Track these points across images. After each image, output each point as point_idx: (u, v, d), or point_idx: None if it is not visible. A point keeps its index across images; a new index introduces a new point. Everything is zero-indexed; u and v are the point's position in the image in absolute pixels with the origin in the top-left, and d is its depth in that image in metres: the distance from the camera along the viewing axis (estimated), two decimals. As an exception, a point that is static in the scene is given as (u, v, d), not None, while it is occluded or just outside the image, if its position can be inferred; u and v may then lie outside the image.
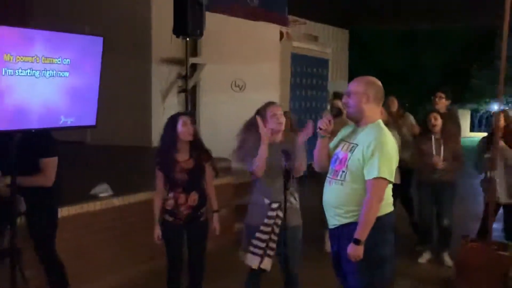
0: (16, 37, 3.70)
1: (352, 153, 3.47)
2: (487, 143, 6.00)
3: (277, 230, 4.07)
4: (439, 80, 19.71)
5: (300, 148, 4.04)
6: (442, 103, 6.83)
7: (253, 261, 4.09)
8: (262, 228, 4.08)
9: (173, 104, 8.48)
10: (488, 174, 5.70)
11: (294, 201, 4.20)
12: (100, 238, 5.36)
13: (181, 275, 4.48)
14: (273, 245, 4.08)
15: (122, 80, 8.34)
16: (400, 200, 6.79)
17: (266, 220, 4.07)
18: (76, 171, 6.18)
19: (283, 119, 4.16)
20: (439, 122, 6.11)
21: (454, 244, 6.09)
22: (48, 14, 8.82)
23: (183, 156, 4.36)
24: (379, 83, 3.59)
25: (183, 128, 4.30)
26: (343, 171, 3.49)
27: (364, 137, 3.46)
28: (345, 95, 3.60)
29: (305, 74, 11.84)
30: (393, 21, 14.63)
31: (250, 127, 4.22)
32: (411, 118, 7.49)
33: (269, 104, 4.25)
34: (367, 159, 3.38)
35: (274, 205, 4.09)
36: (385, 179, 3.37)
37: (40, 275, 4.41)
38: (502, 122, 5.82)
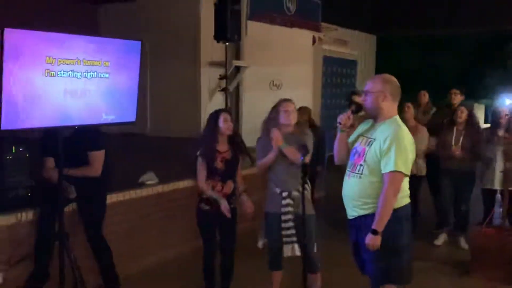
0: (57, 41, 3.45)
1: (370, 147, 3.18)
2: (491, 134, 5.64)
3: (292, 217, 3.88)
4: (456, 79, 19.31)
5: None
6: (458, 98, 6.58)
7: (289, 251, 3.90)
8: (282, 218, 3.87)
9: (218, 101, 8.36)
10: (505, 165, 5.26)
11: (305, 191, 3.84)
12: (146, 220, 5.15)
13: (215, 255, 4.24)
14: (294, 231, 3.88)
15: (176, 81, 8.42)
16: (429, 186, 6.47)
17: (282, 209, 3.85)
18: (132, 160, 5.99)
19: (293, 115, 3.97)
20: (464, 115, 5.70)
21: (470, 229, 5.64)
22: (112, 25, 8.73)
23: (222, 148, 4.13)
24: (395, 81, 3.27)
25: (224, 123, 4.09)
26: (361, 165, 3.20)
27: (381, 132, 3.17)
28: (363, 93, 3.31)
29: (335, 74, 11.62)
30: (414, 28, 14.42)
31: (268, 122, 4.07)
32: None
33: (283, 100, 4.06)
34: (384, 153, 3.09)
35: (284, 194, 3.90)
36: (401, 172, 3.07)
37: (88, 257, 4.18)
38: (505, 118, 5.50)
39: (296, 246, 3.87)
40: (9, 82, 3.20)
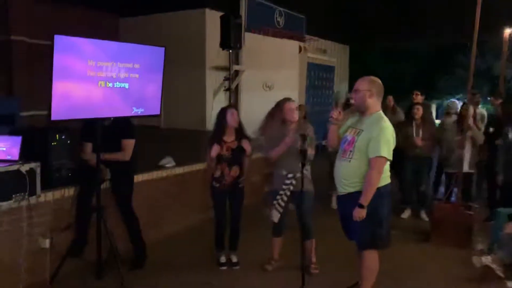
0: (97, 46, 3.45)
1: (358, 136, 3.21)
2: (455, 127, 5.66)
3: (288, 193, 3.91)
4: (414, 83, 19.52)
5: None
6: (419, 98, 6.62)
7: (274, 216, 3.95)
8: (280, 192, 3.91)
9: (221, 99, 8.37)
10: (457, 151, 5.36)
11: (306, 172, 3.90)
12: (166, 196, 5.11)
13: (225, 225, 4.26)
14: (282, 203, 3.93)
15: (185, 82, 8.40)
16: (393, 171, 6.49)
17: (283, 186, 3.89)
18: (151, 148, 5.97)
19: (297, 113, 3.97)
20: (420, 112, 5.74)
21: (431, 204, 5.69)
22: (131, 35, 8.67)
23: (229, 138, 4.11)
24: (380, 81, 3.30)
25: (231, 117, 4.09)
26: (350, 151, 3.23)
27: (369, 124, 3.20)
28: (353, 91, 3.33)
29: (317, 77, 11.63)
30: (380, 40, 14.55)
31: (270, 117, 4.05)
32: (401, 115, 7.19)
33: (286, 99, 4.02)
34: (371, 142, 3.12)
35: (290, 175, 3.90)
36: (385, 157, 3.11)
37: (119, 225, 4.17)
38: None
39: (276, 212, 3.91)
40: (57, 81, 3.21)
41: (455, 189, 5.40)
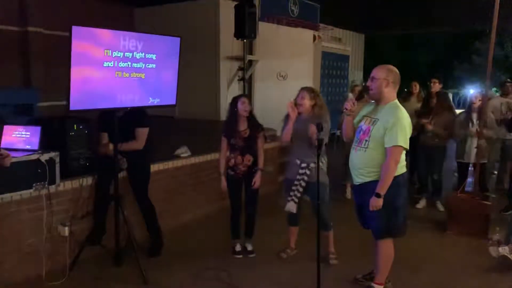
0: (113, 37, 3.47)
1: (374, 126, 3.18)
2: (465, 118, 5.56)
3: (304, 184, 3.89)
4: (429, 71, 19.27)
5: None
6: (436, 86, 6.53)
7: (291, 208, 3.95)
8: (295, 183, 3.90)
9: (235, 89, 8.37)
10: (476, 142, 5.32)
11: (321, 163, 3.85)
12: (182, 185, 5.18)
13: (240, 213, 4.30)
14: (298, 194, 3.92)
15: (199, 72, 8.41)
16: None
17: (297, 177, 3.86)
18: (166, 137, 6.02)
19: (302, 101, 3.89)
20: (435, 100, 5.68)
21: (446, 195, 5.67)
22: (146, 25, 8.71)
23: (241, 127, 4.13)
24: (396, 70, 3.25)
25: (241, 105, 4.09)
26: (366, 140, 3.20)
27: (384, 114, 3.17)
28: (369, 79, 3.27)
29: (332, 66, 11.52)
30: (395, 28, 14.37)
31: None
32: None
33: (301, 89, 4.03)
34: (387, 131, 3.09)
35: (303, 165, 3.89)
36: (401, 146, 3.09)
37: (136, 213, 4.24)
38: (478, 102, 5.38)
39: (293, 204, 3.91)
40: (75, 72, 3.25)
41: (469, 180, 5.36)
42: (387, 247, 3.31)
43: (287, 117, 3.92)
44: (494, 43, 4.82)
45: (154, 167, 4.64)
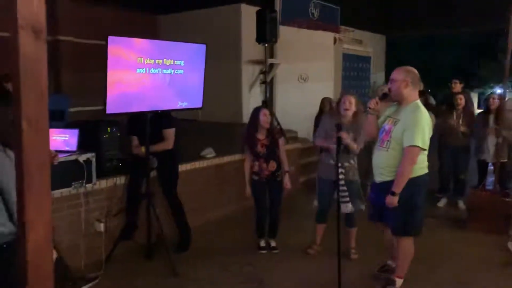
0: (145, 45, 3.77)
1: (395, 126, 3.32)
2: (483, 118, 5.73)
3: (343, 182, 4.06)
4: (453, 72, 19.11)
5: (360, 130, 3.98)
6: (458, 86, 6.62)
7: (346, 208, 4.10)
8: (340, 183, 4.00)
9: (257, 92, 8.59)
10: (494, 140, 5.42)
11: (353, 162, 4.14)
12: (208, 185, 5.45)
13: (266, 215, 4.52)
14: (346, 194, 4.10)
15: (222, 76, 8.58)
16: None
17: (340, 176, 3.97)
18: (191, 139, 6.29)
19: (350, 106, 4.06)
20: (462, 102, 5.79)
21: (467, 193, 5.79)
22: (170, 32, 9.05)
23: (261, 136, 4.37)
24: (415, 71, 3.38)
25: (263, 117, 4.33)
26: (387, 141, 3.35)
27: (405, 114, 3.30)
28: (389, 82, 3.42)
29: (353, 68, 11.62)
30: (416, 29, 14.37)
31: (330, 113, 4.40)
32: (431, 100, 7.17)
33: (344, 93, 4.31)
34: (405, 131, 3.23)
35: (339, 165, 4.00)
36: (418, 146, 3.20)
37: (165, 211, 4.52)
38: (496, 102, 5.54)
39: (350, 205, 4.10)
40: (110, 77, 3.55)
41: (489, 179, 5.46)
42: (407, 244, 3.46)
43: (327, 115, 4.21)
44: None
45: (182, 167, 4.90)
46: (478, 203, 5.00)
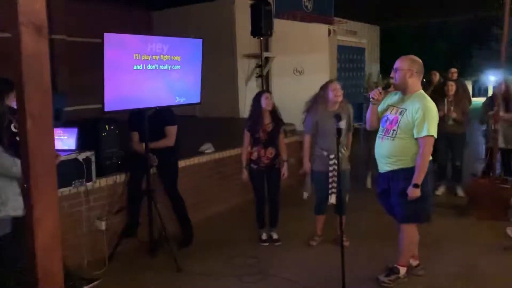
0: (141, 41, 3.75)
1: (402, 116, 3.30)
2: (490, 103, 5.69)
3: (335, 173, 4.07)
4: (448, 60, 19.10)
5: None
6: (455, 75, 6.79)
7: (334, 200, 4.13)
8: (330, 174, 4.09)
9: (253, 86, 8.58)
10: (492, 126, 5.39)
11: (343, 151, 4.14)
12: (208, 180, 5.45)
13: (264, 204, 4.53)
14: (335, 185, 4.09)
15: (217, 71, 8.59)
16: None
17: (330, 168, 4.02)
18: (189, 135, 6.28)
19: (340, 93, 4.12)
20: (453, 88, 5.82)
21: (464, 180, 5.90)
22: (165, 27, 9.01)
23: (266, 121, 4.36)
24: (420, 60, 3.36)
25: (265, 100, 4.32)
26: (393, 130, 3.33)
27: (412, 104, 3.28)
28: (393, 71, 3.38)
29: (348, 60, 11.61)
30: (410, 18, 14.43)
31: (315, 99, 4.28)
32: None
33: (331, 81, 4.26)
34: (417, 121, 3.21)
35: (331, 156, 4.09)
36: (432, 136, 3.23)
37: (167, 207, 4.51)
38: (503, 88, 5.48)
39: (334, 196, 4.12)
40: (108, 75, 3.53)
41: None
42: (411, 231, 3.47)
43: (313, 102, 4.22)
44: (507, 29, 4.95)
45: (181, 163, 4.90)
46: (478, 190, 5.03)
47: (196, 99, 4.32)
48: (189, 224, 4.54)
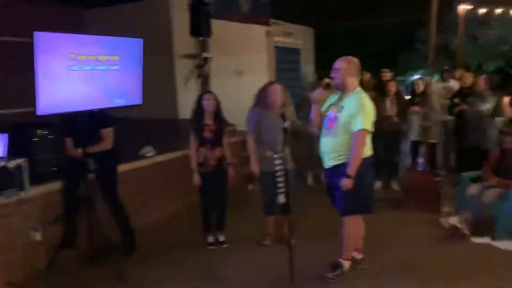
0: (76, 41, 3.56)
1: (341, 113, 3.46)
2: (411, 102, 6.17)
3: (283, 173, 4.05)
4: (378, 61, 19.98)
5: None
6: (388, 75, 6.94)
7: (282, 199, 4.04)
8: (277, 174, 3.99)
9: (193, 87, 8.43)
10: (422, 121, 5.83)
11: (286, 150, 4.17)
12: (150, 184, 5.28)
13: (212, 208, 4.47)
14: (282, 184, 4.02)
15: (155, 72, 8.22)
16: None
17: (277, 168, 4.02)
18: (128, 138, 6.01)
19: (281, 94, 4.20)
20: (394, 88, 6.14)
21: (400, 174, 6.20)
22: (96, 27, 8.61)
23: (209, 121, 4.33)
24: (357, 60, 3.56)
25: (206, 102, 4.31)
26: (334, 127, 3.49)
27: (349, 101, 3.46)
28: (333, 71, 3.54)
29: (285, 61, 11.82)
30: (343, 20, 14.90)
31: (257, 100, 4.29)
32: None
33: (271, 83, 4.31)
34: (353, 117, 3.38)
35: (276, 155, 4.02)
36: (366, 130, 3.39)
37: (107, 215, 4.31)
38: (421, 87, 5.95)
39: (283, 195, 4.10)
40: (41, 76, 3.31)
41: (420, 160, 5.85)
42: (352, 224, 3.60)
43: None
44: (434, 32, 5.29)
45: (121, 168, 4.69)
46: (412, 184, 5.31)
47: (138, 100, 4.18)
48: (131, 231, 4.37)
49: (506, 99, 5.61)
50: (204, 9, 6.83)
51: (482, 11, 13.35)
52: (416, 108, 6.04)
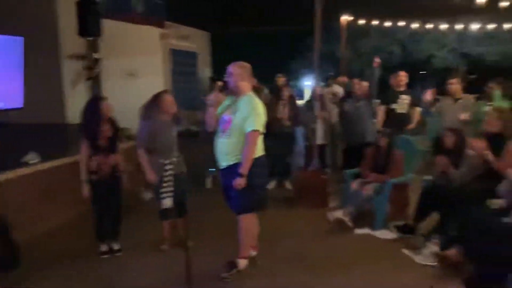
0: None
1: (235, 115, 3.60)
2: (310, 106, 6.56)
3: (172, 178, 4.15)
4: (272, 67, 20.76)
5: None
6: (282, 80, 7.23)
7: (168, 204, 4.13)
8: (165, 179, 4.10)
9: (82, 90, 7.98)
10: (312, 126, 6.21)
11: (178, 154, 4.26)
12: (33, 194, 4.89)
13: (105, 216, 4.31)
14: (171, 189, 4.14)
15: (38, 72, 7.71)
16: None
17: (165, 173, 4.08)
18: (9, 145, 5.49)
19: (173, 104, 4.18)
20: (288, 93, 6.48)
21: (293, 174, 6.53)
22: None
23: (104, 127, 4.16)
24: (249, 65, 3.73)
25: (106, 108, 4.16)
26: (228, 129, 3.61)
27: (242, 104, 3.62)
28: (226, 75, 3.67)
29: (181, 64, 11.79)
30: (239, 26, 15.37)
31: (148, 109, 4.19)
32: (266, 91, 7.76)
33: (163, 92, 4.26)
34: (246, 119, 3.53)
35: (167, 161, 4.14)
36: (258, 130, 3.56)
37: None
38: (317, 92, 6.38)
39: (169, 199, 4.12)
40: None
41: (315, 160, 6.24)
42: (246, 222, 3.73)
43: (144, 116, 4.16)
44: (319, 41, 5.70)
45: (2, 177, 4.35)
46: (303, 182, 5.66)
47: (18, 103, 3.87)
48: (12, 245, 3.99)
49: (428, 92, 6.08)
50: (93, 8, 6.50)
51: (362, 22, 14.65)
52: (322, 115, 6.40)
